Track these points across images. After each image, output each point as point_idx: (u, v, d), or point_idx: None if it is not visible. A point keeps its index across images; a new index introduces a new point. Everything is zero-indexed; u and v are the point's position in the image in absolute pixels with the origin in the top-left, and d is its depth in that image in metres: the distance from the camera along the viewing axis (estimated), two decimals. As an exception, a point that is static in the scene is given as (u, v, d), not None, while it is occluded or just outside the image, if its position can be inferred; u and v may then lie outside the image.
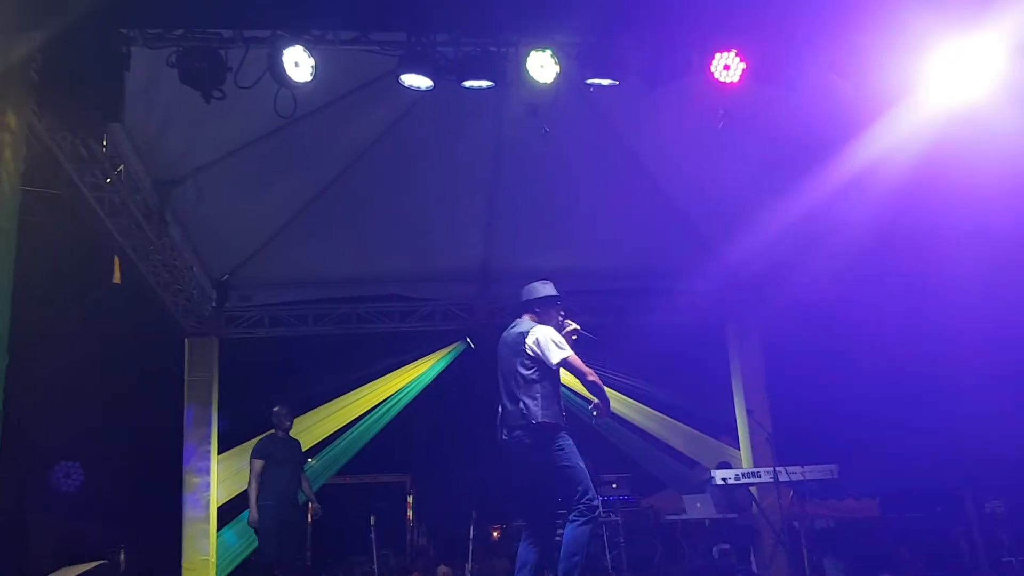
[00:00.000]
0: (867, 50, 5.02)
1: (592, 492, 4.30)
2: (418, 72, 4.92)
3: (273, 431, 7.09)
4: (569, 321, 4.74)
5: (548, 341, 4.38)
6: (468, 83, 5.00)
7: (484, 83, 5.01)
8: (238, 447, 8.70)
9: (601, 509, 4.39)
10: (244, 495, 8.73)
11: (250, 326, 8.99)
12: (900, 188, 6.49)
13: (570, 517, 4.29)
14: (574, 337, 4.64)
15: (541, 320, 4.63)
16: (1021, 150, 5.28)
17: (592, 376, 4.38)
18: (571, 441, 4.38)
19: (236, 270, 8.65)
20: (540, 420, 4.28)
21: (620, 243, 8.68)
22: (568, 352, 4.39)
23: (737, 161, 7.11)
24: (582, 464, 4.35)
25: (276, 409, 7.10)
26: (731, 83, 5.02)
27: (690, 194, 8.07)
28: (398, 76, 4.95)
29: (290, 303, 9.09)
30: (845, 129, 6.19)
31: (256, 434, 8.88)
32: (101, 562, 4.43)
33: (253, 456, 6.87)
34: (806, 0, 5.04)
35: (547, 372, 4.39)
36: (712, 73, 5.00)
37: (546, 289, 4.73)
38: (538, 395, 4.33)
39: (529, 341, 4.42)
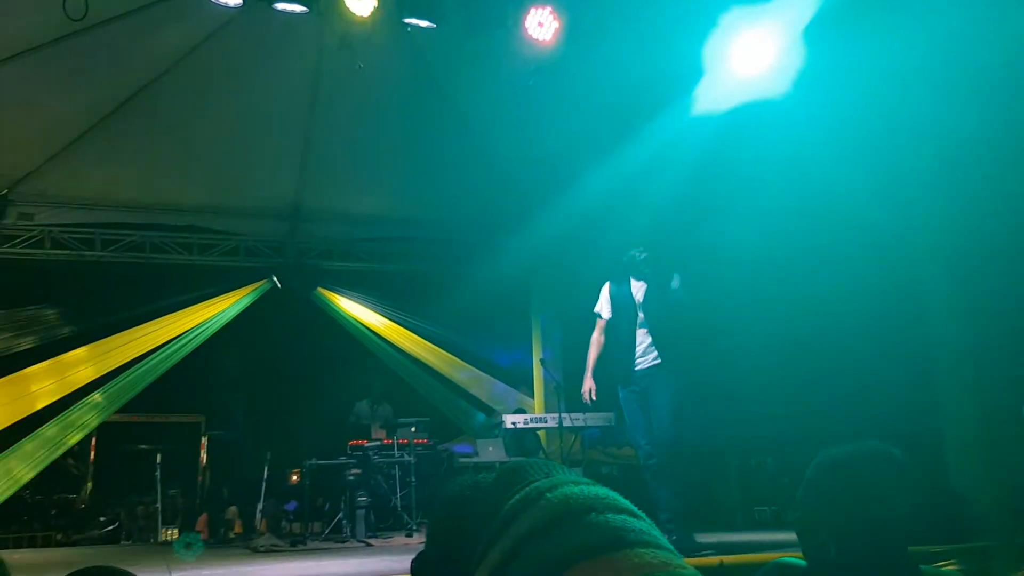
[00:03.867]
0: (670, 27, 5.35)
1: None
2: (226, -13, 4.71)
3: None
4: None
5: None
6: (280, 5, 4.85)
7: (297, 7, 4.89)
8: (6, 376, 8.07)
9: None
10: (16, 427, 8.17)
11: (29, 246, 8.26)
12: (696, 163, 6.97)
13: None
14: None
15: None
16: (793, 124, 5.79)
17: None
18: None
19: (16, 185, 7.91)
20: None
21: (435, 192, 8.74)
22: None
23: (553, 123, 7.33)
24: None
25: None
26: (544, 40, 5.18)
27: (506, 149, 8.23)
28: (205, -10, 4.72)
29: (77, 226, 8.43)
30: (651, 102, 6.56)
31: (31, 362, 8.30)
32: None
33: None
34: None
35: None
36: (526, 28, 5.13)
37: None
38: None
39: None
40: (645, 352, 4.99)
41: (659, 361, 4.94)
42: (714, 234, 7.75)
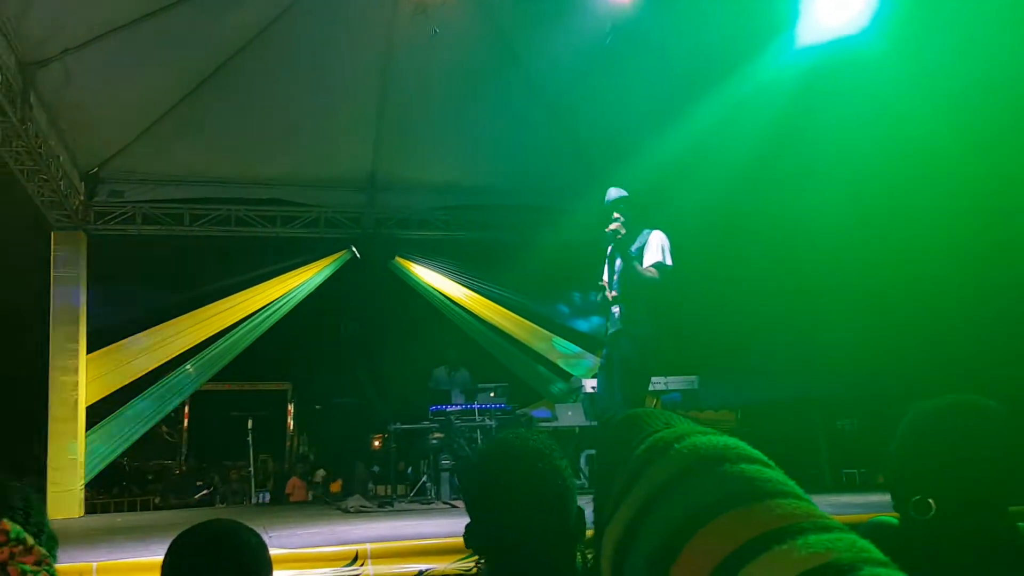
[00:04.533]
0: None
1: None
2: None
3: None
4: None
5: None
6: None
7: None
8: (106, 348, 8.45)
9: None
10: (112, 396, 8.57)
11: (121, 222, 8.60)
12: (776, 119, 6.77)
13: None
14: None
15: None
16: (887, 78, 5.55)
17: None
18: None
19: (107, 163, 8.22)
20: None
21: (509, 158, 8.72)
22: None
23: (629, 83, 7.21)
24: None
25: None
26: (620, -1, 5.07)
27: (580, 111, 8.14)
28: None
29: (166, 201, 8.72)
30: (729, 59, 6.39)
31: (128, 334, 8.67)
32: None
33: None
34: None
35: None
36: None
37: None
38: None
39: None
40: (613, 316, 5.06)
41: (619, 327, 4.98)
42: (798, 194, 7.54)
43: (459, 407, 8.24)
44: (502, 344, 10.17)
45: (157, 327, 8.97)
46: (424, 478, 7.81)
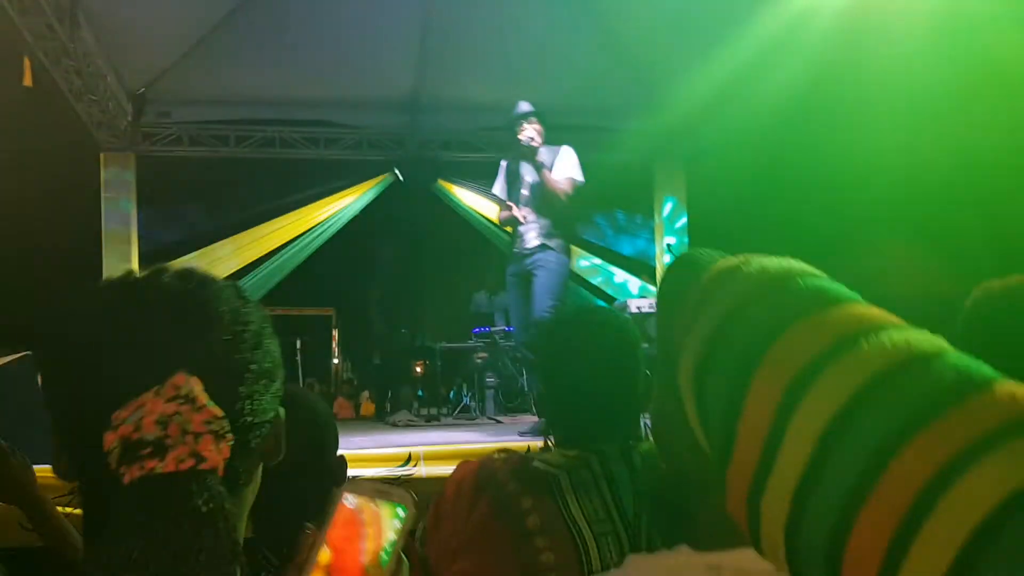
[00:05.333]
0: None
1: None
2: None
3: None
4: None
5: None
6: None
7: None
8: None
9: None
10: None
11: (168, 144, 8.66)
12: (835, 30, 6.52)
13: None
14: None
15: None
16: None
17: None
18: None
19: (153, 83, 8.25)
20: None
21: (555, 76, 8.55)
22: None
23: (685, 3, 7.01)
24: None
25: None
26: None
27: (633, 32, 7.94)
28: None
29: (211, 122, 8.75)
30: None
31: (178, 255, 8.82)
32: (25, 353, 4.39)
33: None
34: None
35: None
36: None
37: None
38: None
39: None
40: (528, 232, 5.01)
41: (539, 242, 4.95)
42: (851, 129, 7.30)
43: (503, 329, 8.32)
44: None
45: (205, 249, 9.11)
46: (467, 397, 7.95)
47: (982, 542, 0.59)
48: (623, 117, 8.73)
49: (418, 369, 10.85)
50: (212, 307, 0.80)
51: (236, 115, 8.73)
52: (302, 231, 9.90)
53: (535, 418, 7.08)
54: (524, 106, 5.15)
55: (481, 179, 9.94)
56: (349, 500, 0.68)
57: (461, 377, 9.17)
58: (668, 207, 9.52)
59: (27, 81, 6.34)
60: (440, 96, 8.99)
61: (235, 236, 9.39)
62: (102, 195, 8.34)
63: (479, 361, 7.78)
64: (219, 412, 0.72)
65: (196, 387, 0.72)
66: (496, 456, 1.49)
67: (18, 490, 1.86)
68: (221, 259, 9.13)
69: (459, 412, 7.93)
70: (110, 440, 0.69)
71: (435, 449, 4.18)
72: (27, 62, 6.30)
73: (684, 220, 9.36)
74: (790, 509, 0.67)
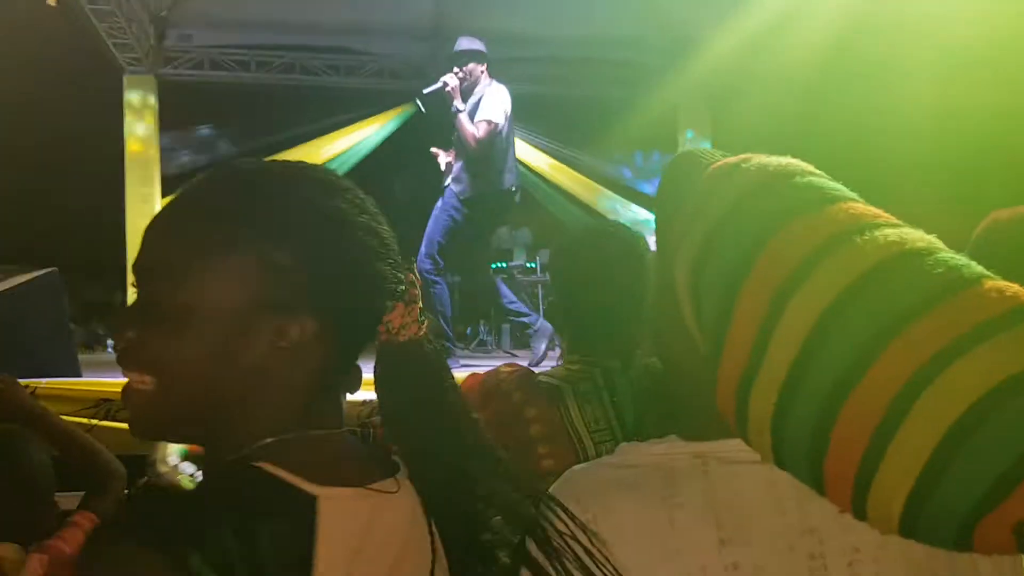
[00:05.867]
0: None
1: None
2: None
3: None
4: None
5: None
6: None
7: None
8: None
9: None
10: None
11: (190, 68, 8.62)
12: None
13: None
14: None
15: None
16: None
17: None
18: None
19: (175, 5, 8.17)
20: None
21: (578, 7, 8.38)
22: None
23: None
24: None
25: None
26: None
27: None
28: None
29: (231, 46, 8.67)
30: None
31: (199, 181, 8.83)
32: (51, 269, 4.46)
33: None
34: None
35: None
36: None
37: None
38: None
39: None
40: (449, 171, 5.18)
41: (447, 182, 5.12)
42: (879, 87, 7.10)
43: (521, 264, 8.33)
44: (564, 203, 10.11)
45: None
46: (483, 331, 8.00)
47: (966, 428, 0.60)
48: (651, 52, 8.56)
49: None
50: None
51: (257, 40, 8.65)
52: (325, 160, 9.85)
53: (551, 352, 7.15)
54: (464, 43, 5.15)
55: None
56: None
57: (479, 313, 9.21)
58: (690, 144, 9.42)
59: (51, 0, 6.33)
60: (462, 25, 8.81)
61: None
62: (124, 117, 8.34)
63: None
64: None
65: None
66: (502, 369, 1.52)
67: (35, 418, 1.81)
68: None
69: (476, 346, 7.99)
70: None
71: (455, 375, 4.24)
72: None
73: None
74: (778, 400, 0.68)
